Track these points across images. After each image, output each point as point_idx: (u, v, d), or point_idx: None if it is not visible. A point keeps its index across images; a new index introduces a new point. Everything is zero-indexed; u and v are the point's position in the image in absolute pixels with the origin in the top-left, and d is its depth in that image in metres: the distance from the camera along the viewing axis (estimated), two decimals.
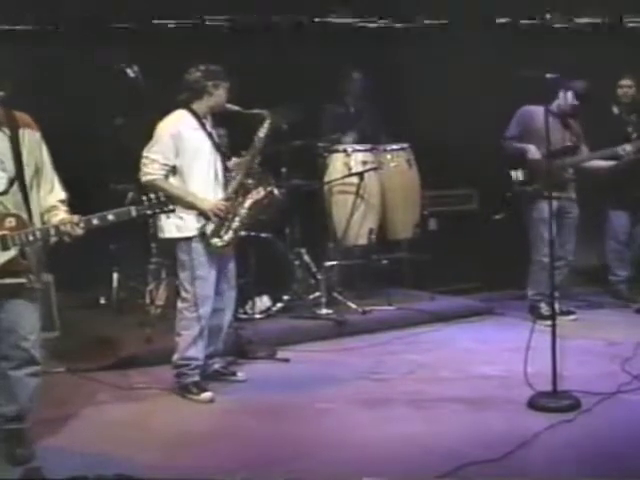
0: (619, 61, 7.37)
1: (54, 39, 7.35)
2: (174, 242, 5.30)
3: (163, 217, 5.23)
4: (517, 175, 6.82)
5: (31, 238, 4.11)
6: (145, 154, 5.20)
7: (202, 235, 5.20)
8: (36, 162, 4.26)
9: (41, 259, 4.29)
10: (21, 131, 4.20)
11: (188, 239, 5.23)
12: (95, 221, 4.18)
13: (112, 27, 7.53)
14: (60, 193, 4.35)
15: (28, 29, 7.35)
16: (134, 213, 4.24)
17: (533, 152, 6.68)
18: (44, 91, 7.17)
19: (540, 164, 6.58)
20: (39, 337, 4.30)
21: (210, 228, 5.20)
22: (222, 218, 5.21)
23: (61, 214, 4.26)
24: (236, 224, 5.28)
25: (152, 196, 4.28)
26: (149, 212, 4.28)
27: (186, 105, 5.30)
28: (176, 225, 5.24)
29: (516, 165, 6.81)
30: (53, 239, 4.18)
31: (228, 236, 5.25)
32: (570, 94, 6.62)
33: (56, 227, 4.15)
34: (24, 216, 4.16)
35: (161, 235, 5.37)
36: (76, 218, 4.17)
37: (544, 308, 6.74)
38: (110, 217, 4.20)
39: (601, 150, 6.83)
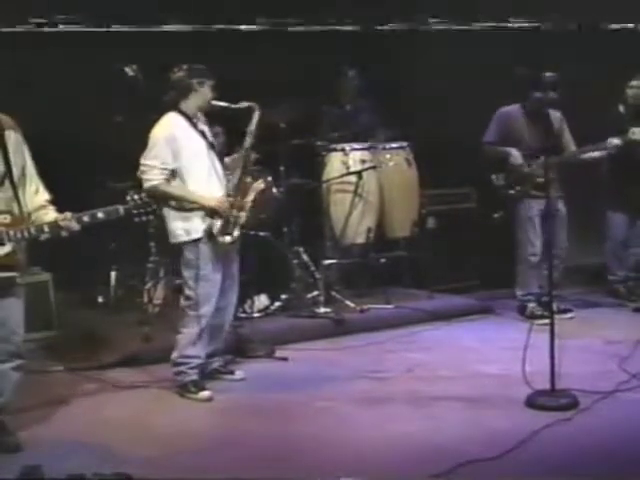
0: (630, 61, 7.37)
1: (54, 38, 7.34)
2: (185, 245, 5.29)
3: (171, 221, 5.25)
4: (498, 179, 6.84)
5: (26, 234, 4.23)
6: (142, 161, 5.19)
7: (209, 235, 5.20)
8: (21, 163, 4.38)
9: (26, 256, 4.40)
10: (7, 132, 4.31)
11: (196, 240, 5.23)
12: (86, 218, 4.31)
13: (112, 26, 7.53)
14: (45, 194, 4.47)
15: (28, 28, 7.35)
16: (122, 212, 4.36)
17: (515, 157, 6.69)
18: (43, 90, 7.18)
19: (521, 168, 6.60)
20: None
21: (217, 226, 5.20)
22: (228, 214, 5.21)
23: (51, 212, 4.39)
24: (243, 219, 5.29)
25: (136, 196, 4.38)
26: (135, 211, 4.37)
27: (174, 106, 5.29)
28: (184, 229, 5.24)
29: (497, 169, 6.82)
30: (45, 236, 4.28)
31: (236, 232, 5.26)
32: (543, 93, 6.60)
33: (52, 224, 4.26)
34: (17, 214, 4.26)
35: (173, 240, 5.33)
36: (69, 215, 4.28)
37: (535, 307, 6.76)
38: (100, 215, 4.33)
39: (588, 146, 6.85)
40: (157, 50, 7.22)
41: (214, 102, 5.37)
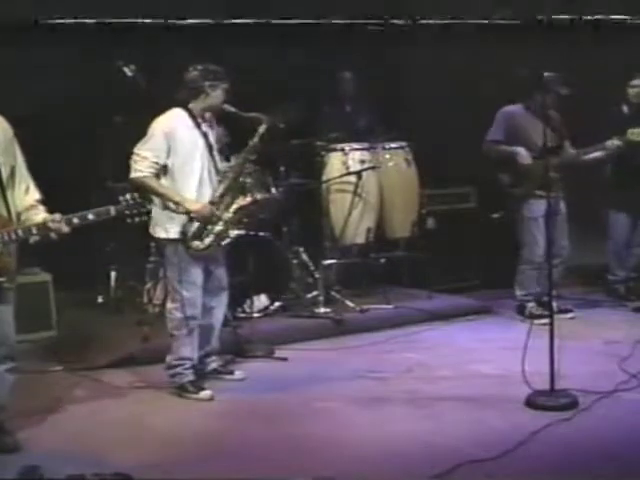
0: (630, 60, 7.37)
1: (54, 38, 7.35)
2: (164, 242, 5.28)
3: (156, 216, 5.23)
4: (504, 178, 6.82)
5: (13, 236, 4.15)
6: (136, 151, 5.16)
7: (183, 236, 5.17)
8: (11, 163, 4.28)
9: (17, 259, 4.32)
10: None
11: (175, 241, 5.21)
12: (76, 220, 4.23)
13: (112, 26, 7.53)
14: (36, 193, 4.38)
15: (29, 28, 7.35)
16: (113, 212, 4.29)
17: (523, 156, 6.67)
18: (43, 90, 7.18)
19: (529, 167, 6.59)
20: None
21: (192, 230, 5.18)
22: (206, 221, 5.19)
23: (41, 213, 4.30)
24: (219, 228, 5.25)
25: (129, 196, 4.32)
26: (127, 212, 4.31)
27: (183, 104, 5.27)
28: (164, 227, 5.22)
29: (503, 168, 6.80)
30: (34, 238, 4.21)
31: (209, 239, 5.21)
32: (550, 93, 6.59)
33: (41, 225, 4.19)
34: (4, 215, 4.19)
35: (151, 232, 5.31)
36: (58, 216, 4.21)
37: (534, 307, 6.76)
38: (90, 216, 4.25)
39: (590, 146, 6.84)
40: (157, 49, 7.23)
41: (225, 106, 5.34)
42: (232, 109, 5.38)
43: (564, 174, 6.76)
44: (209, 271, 5.33)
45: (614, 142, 6.71)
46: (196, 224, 5.16)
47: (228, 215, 5.28)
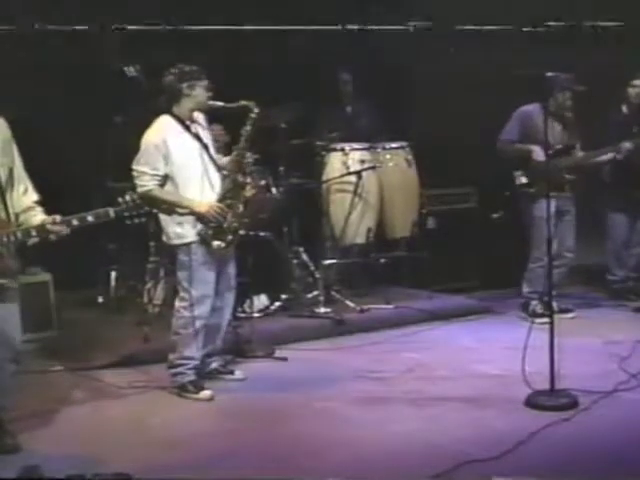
0: (630, 61, 7.37)
1: (54, 38, 7.34)
2: (178, 247, 5.29)
3: (165, 224, 5.24)
4: (520, 177, 6.80)
5: (12, 238, 4.13)
6: (134, 167, 5.16)
7: (202, 240, 5.18)
8: (9, 164, 4.26)
9: (17, 260, 4.29)
10: None
11: (189, 243, 5.22)
12: (75, 222, 4.21)
13: (113, 26, 7.52)
14: (34, 194, 4.36)
15: (28, 28, 7.34)
16: (112, 214, 4.27)
17: (538, 153, 6.65)
18: (43, 90, 7.18)
19: (544, 165, 6.59)
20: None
21: (210, 232, 5.19)
22: (220, 220, 5.20)
23: (39, 214, 4.29)
24: (235, 224, 5.27)
25: (127, 198, 4.30)
26: (126, 214, 4.29)
27: (167, 110, 5.25)
28: (177, 233, 5.23)
29: (518, 167, 6.79)
30: (33, 240, 4.19)
31: (230, 237, 5.25)
32: (567, 91, 6.61)
33: (40, 227, 4.17)
34: (3, 216, 4.17)
35: (167, 242, 5.35)
36: (57, 218, 4.19)
37: (538, 306, 6.76)
38: (89, 218, 4.23)
39: (600, 149, 6.84)
40: (157, 50, 7.22)
41: (210, 102, 5.33)
42: (218, 103, 5.36)
43: (576, 175, 6.76)
44: (220, 271, 5.34)
45: (626, 145, 6.72)
46: (212, 224, 5.17)
47: (240, 210, 5.30)
